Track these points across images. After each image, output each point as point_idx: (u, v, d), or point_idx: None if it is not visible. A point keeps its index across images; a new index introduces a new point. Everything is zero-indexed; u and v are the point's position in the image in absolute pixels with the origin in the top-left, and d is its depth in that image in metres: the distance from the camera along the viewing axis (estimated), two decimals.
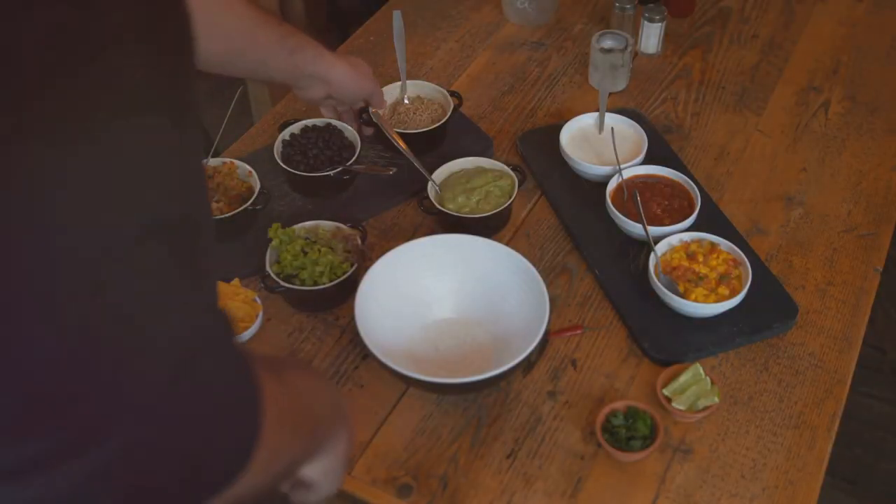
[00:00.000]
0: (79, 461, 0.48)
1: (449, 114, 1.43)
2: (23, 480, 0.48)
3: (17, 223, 0.45)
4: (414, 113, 1.46)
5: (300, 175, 1.33)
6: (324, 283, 1.18)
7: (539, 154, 1.43)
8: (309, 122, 1.40)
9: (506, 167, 1.33)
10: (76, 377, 0.47)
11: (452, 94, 1.47)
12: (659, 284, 1.17)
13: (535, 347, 1.06)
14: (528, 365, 1.14)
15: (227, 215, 1.25)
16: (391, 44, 1.49)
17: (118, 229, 0.48)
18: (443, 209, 1.28)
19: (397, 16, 1.48)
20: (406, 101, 1.48)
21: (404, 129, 1.41)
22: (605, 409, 1.07)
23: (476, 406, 1.11)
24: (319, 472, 0.77)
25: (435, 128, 1.41)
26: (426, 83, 1.50)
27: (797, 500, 1.03)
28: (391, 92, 1.47)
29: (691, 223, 1.26)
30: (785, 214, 1.35)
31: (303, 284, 1.18)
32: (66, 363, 0.47)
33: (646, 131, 1.41)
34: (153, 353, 0.50)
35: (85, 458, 0.48)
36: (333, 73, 1.32)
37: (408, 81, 1.49)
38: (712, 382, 1.09)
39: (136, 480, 0.51)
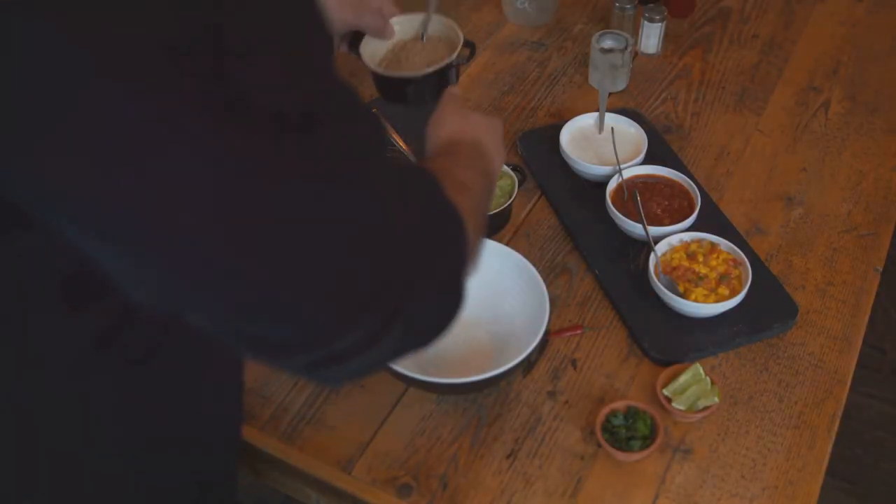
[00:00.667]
0: (387, 336, 0.59)
1: (450, 59, 1.24)
2: (345, 361, 0.59)
3: None
4: (419, 53, 1.27)
5: None
6: None
7: (539, 154, 1.43)
8: None
9: (506, 167, 1.33)
10: (377, 275, 0.57)
11: (467, 43, 1.30)
12: (659, 284, 1.17)
13: (535, 347, 1.06)
14: (528, 365, 1.14)
15: None
16: None
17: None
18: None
19: None
20: (423, 40, 1.27)
21: (403, 73, 1.25)
22: (605, 409, 1.07)
23: (476, 406, 1.11)
24: None
25: (434, 71, 1.22)
26: (449, 22, 1.27)
27: (797, 500, 1.03)
28: (407, 25, 1.28)
29: (691, 223, 1.26)
30: (785, 214, 1.35)
31: None
32: (368, 263, 0.57)
33: (646, 131, 1.41)
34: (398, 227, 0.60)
35: (391, 333, 0.59)
36: None
37: (434, 15, 1.27)
38: (712, 382, 1.09)
39: (412, 331, 0.63)
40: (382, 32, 1.22)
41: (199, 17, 0.48)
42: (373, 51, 1.25)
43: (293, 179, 0.52)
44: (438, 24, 1.26)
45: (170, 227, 0.50)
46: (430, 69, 1.22)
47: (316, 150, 0.54)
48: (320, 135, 0.54)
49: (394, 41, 1.27)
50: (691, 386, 1.09)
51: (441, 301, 0.66)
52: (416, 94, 1.23)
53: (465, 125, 0.95)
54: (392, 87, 1.25)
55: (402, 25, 1.26)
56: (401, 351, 0.65)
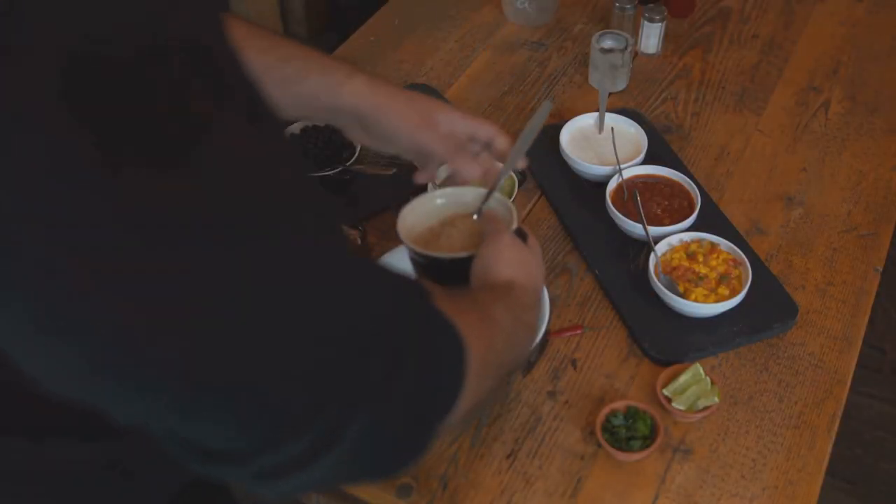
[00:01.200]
0: (333, 450, 0.54)
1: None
2: (283, 477, 0.54)
3: None
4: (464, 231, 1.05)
5: None
6: None
7: (539, 154, 1.43)
8: (308, 122, 1.40)
9: None
10: (322, 385, 0.52)
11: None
12: (659, 284, 1.17)
13: (535, 347, 1.06)
14: (528, 365, 1.14)
15: None
16: (391, 43, 1.49)
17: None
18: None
19: (546, 106, 1.16)
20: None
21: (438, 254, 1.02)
22: (605, 409, 1.07)
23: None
24: None
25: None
26: (504, 199, 1.04)
27: (797, 500, 1.03)
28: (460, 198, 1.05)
29: (691, 223, 1.26)
30: (785, 214, 1.35)
31: None
32: (318, 374, 0.52)
33: (646, 131, 1.41)
34: (370, 343, 0.55)
35: (336, 446, 0.54)
36: (371, 108, 0.95)
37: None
38: (712, 382, 1.09)
39: (377, 442, 0.57)
40: (474, 178, 1.04)
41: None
42: (413, 223, 1.04)
43: (237, 283, 0.49)
44: (494, 201, 1.05)
45: (100, 326, 0.46)
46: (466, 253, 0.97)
47: (255, 254, 0.50)
48: (275, 238, 0.51)
49: (442, 214, 1.07)
50: (691, 386, 1.09)
51: (400, 437, 0.59)
52: (451, 274, 0.99)
53: (530, 277, 0.85)
54: (425, 266, 1.02)
55: (452, 198, 1.07)
56: (375, 462, 0.59)
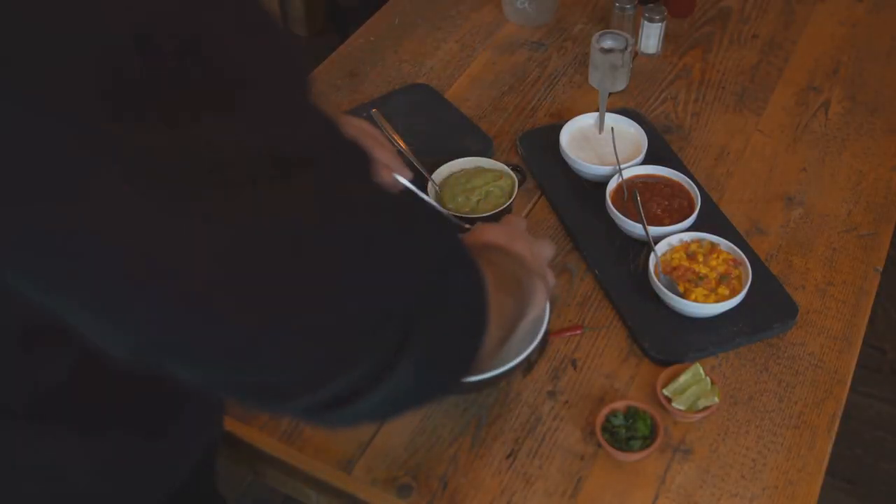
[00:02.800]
0: (389, 381, 0.56)
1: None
2: (346, 404, 0.56)
3: None
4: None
5: None
6: None
7: (539, 154, 1.43)
8: None
9: (506, 167, 1.33)
10: (379, 309, 0.54)
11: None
12: (659, 284, 1.17)
13: (535, 347, 1.06)
14: (528, 365, 1.14)
15: None
16: (390, 44, 1.49)
17: None
18: (443, 209, 1.28)
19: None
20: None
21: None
22: (605, 409, 1.07)
23: (476, 406, 1.11)
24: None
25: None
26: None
27: (797, 500, 1.03)
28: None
29: (691, 223, 1.26)
30: (785, 214, 1.35)
31: None
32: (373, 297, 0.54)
33: (646, 131, 1.41)
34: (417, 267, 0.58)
35: (390, 378, 0.56)
36: None
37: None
38: (712, 382, 1.09)
39: (421, 380, 0.59)
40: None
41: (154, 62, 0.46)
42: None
43: (274, 225, 0.50)
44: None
45: (148, 280, 0.48)
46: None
47: (299, 193, 0.51)
48: (308, 175, 0.52)
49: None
50: (691, 386, 1.09)
51: (456, 334, 0.63)
52: None
53: (514, 242, 0.90)
54: None
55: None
56: (418, 392, 0.61)
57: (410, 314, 0.56)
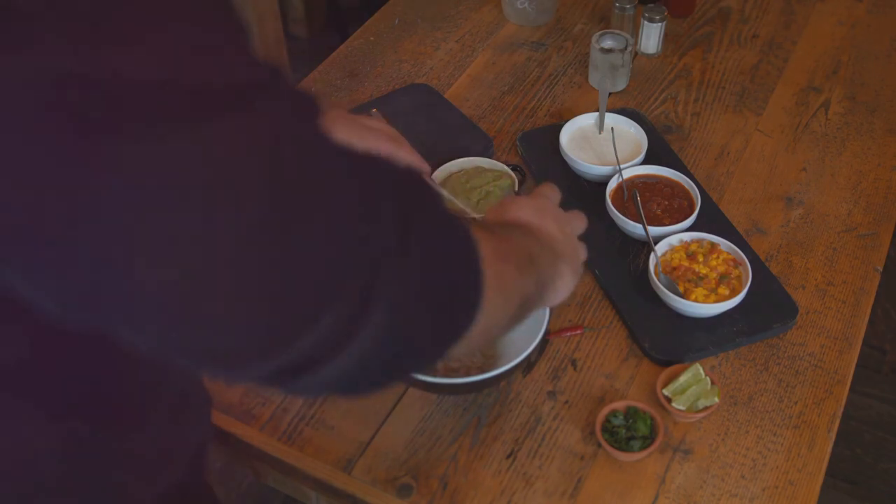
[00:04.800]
0: (355, 342, 0.52)
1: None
2: (311, 370, 0.52)
3: None
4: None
5: None
6: None
7: (539, 154, 1.43)
8: None
9: (506, 167, 1.33)
10: (343, 274, 0.51)
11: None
12: (659, 284, 1.17)
13: (535, 347, 1.06)
14: (528, 365, 1.14)
15: None
16: (390, 44, 1.49)
17: None
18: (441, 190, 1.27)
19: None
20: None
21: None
22: (605, 409, 1.07)
23: (476, 406, 1.11)
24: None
25: None
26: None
27: (797, 500, 1.03)
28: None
29: (691, 223, 1.26)
30: (785, 214, 1.35)
31: None
32: (332, 262, 0.51)
33: (646, 131, 1.41)
34: (383, 230, 0.53)
35: (357, 338, 0.52)
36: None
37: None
38: (712, 382, 1.09)
39: (394, 344, 0.55)
40: None
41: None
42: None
43: (220, 172, 0.46)
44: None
45: (96, 238, 0.45)
46: None
47: (250, 127, 0.47)
48: (259, 110, 0.48)
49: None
50: (691, 386, 1.09)
51: (431, 293, 0.57)
52: None
53: (544, 219, 0.86)
54: None
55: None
56: (384, 362, 0.57)
57: (369, 270, 0.52)
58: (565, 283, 0.87)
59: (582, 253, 0.92)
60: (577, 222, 0.94)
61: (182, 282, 0.47)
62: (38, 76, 0.42)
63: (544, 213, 0.88)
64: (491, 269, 0.63)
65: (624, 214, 1.27)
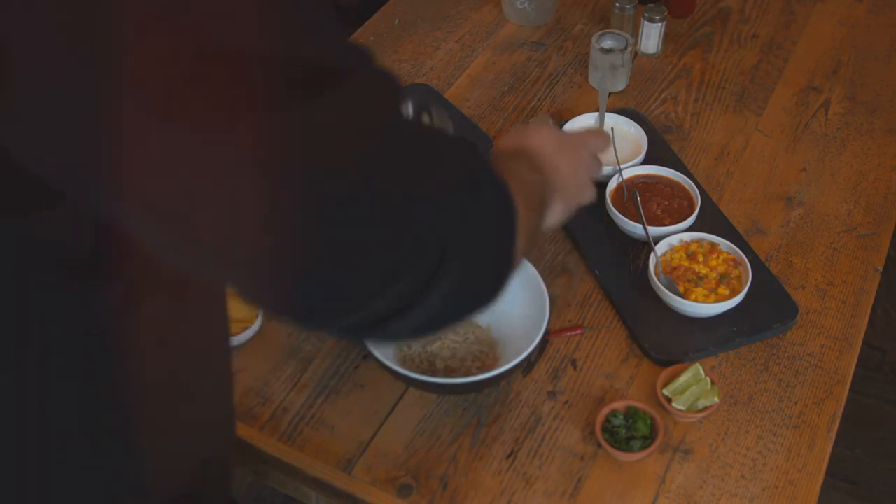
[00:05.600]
0: (436, 290, 0.59)
1: None
2: (399, 317, 0.59)
3: None
4: None
5: None
6: None
7: None
8: None
9: None
10: (418, 225, 0.57)
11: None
12: (659, 284, 1.17)
13: (535, 347, 1.06)
14: (528, 365, 1.14)
15: None
16: (391, 44, 1.48)
17: None
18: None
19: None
20: None
21: None
22: (605, 409, 1.07)
23: (476, 406, 1.11)
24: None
25: None
26: None
27: (797, 500, 1.03)
28: None
29: (691, 223, 1.26)
30: (785, 214, 1.35)
31: None
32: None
33: (646, 131, 1.41)
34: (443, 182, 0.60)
35: (438, 287, 0.59)
36: None
37: None
38: (712, 382, 1.09)
39: (465, 286, 0.62)
40: None
41: None
42: None
43: (315, 139, 0.52)
44: None
45: (203, 196, 0.50)
46: None
47: (339, 105, 0.53)
48: (345, 88, 0.54)
49: None
50: (691, 386, 1.09)
51: (490, 249, 0.66)
52: None
53: (560, 155, 0.91)
54: None
55: None
56: (457, 307, 0.65)
57: (446, 230, 0.58)
58: (553, 215, 0.91)
59: (587, 195, 0.96)
60: (594, 168, 0.99)
61: (303, 242, 0.53)
62: (177, 52, 0.47)
63: (564, 151, 0.92)
64: (520, 219, 0.69)
65: (624, 214, 1.27)
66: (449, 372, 1.12)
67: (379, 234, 0.55)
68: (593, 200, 0.99)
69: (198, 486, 0.86)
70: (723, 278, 1.19)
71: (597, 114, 1.44)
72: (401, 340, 0.71)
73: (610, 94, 1.56)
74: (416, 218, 0.57)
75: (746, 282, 1.17)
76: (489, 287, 0.67)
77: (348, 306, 0.57)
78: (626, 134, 1.42)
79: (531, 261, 1.15)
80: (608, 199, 1.29)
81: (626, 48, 1.53)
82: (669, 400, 1.08)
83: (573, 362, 1.16)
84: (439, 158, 0.61)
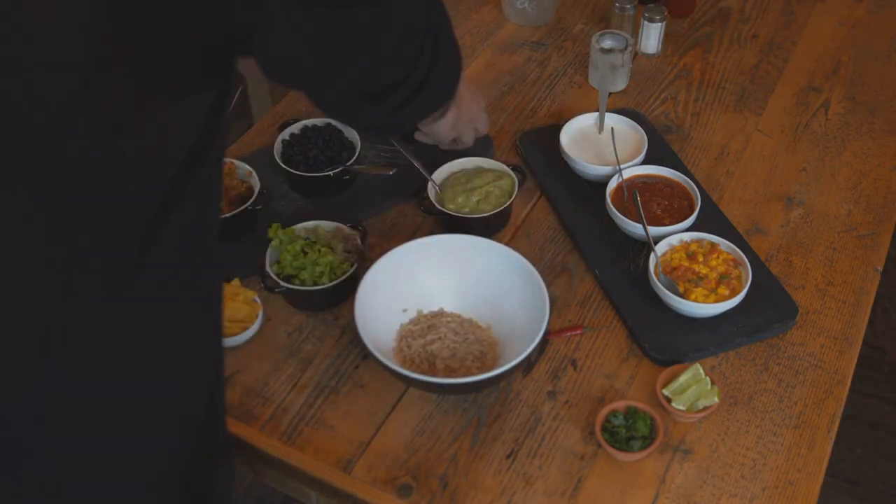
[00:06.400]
0: (434, 73, 0.95)
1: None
2: (420, 91, 0.94)
3: None
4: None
5: (300, 175, 1.33)
6: (324, 284, 1.18)
7: (539, 154, 1.43)
8: (309, 122, 1.40)
9: (506, 167, 1.33)
10: (422, 34, 0.92)
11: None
12: (659, 284, 1.17)
13: (535, 347, 1.06)
14: (528, 365, 1.14)
15: (227, 215, 1.25)
16: None
17: None
18: (443, 209, 1.28)
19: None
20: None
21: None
22: (605, 409, 1.07)
23: (476, 406, 1.11)
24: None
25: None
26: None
27: (797, 500, 1.03)
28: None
29: (691, 223, 1.26)
30: (785, 214, 1.35)
31: (303, 284, 1.18)
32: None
33: (646, 131, 1.41)
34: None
35: (434, 72, 0.95)
36: None
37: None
38: (712, 382, 1.09)
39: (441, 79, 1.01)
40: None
41: None
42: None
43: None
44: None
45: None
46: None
47: None
48: None
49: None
50: (691, 386, 1.09)
51: (454, 56, 1.02)
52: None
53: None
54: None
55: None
56: (446, 88, 1.05)
57: (435, 40, 0.92)
58: (449, 115, 1.23)
59: (481, 121, 1.34)
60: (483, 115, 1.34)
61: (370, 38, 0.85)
62: None
63: (470, 94, 1.30)
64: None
65: (624, 214, 1.27)
66: (449, 372, 1.12)
67: (405, 39, 0.90)
68: (486, 130, 1.33)
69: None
70: (723, 278, 1.19)
71: (597, 114, 1.44)
72: (430, 109, 1.10)
73: (610, 94, 1.56)
74: (416, 33, 0.91)
75: (746, 282, 1.17)
76: (452, 82, 1.04)
77: (395, 84, 0.92)
78: (626, 134, 1.42)
79: (531, 261, 1.15)
80: (608, 199, 1.29)
81: (626, 48, 1.53)
82: (669, 400, 1.08)
83: (573, 362, 1.16)
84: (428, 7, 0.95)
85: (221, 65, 0.72)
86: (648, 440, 1.05)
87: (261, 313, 1.19)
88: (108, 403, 0.76)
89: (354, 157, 1.35)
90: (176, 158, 0.71)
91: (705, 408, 1.08)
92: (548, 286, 1.12)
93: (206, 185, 0.77)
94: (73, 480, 0.77)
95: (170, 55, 0.66)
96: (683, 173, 1.33)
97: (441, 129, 1.25)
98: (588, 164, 1.36)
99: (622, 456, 1.04)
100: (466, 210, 1.28)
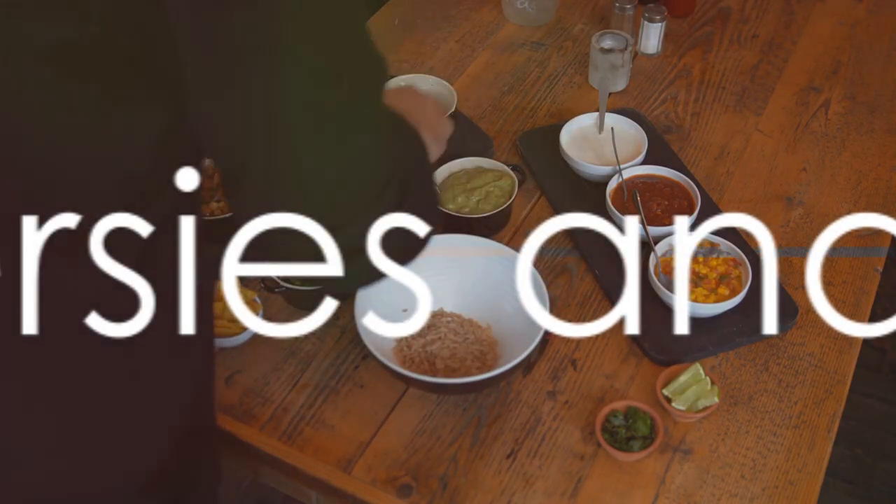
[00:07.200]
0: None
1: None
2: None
3: None
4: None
5: None
6: None
7: (539, 154, 1.43)
8: None
9: (506, 167, 1.33)
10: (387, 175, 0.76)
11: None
12: (659, 284, 1.17)
13: (535, 347, 1.06)
14: (528, 365, 1.14)
15: (227, 215, 1.25)
16: (391, 43, 1.49)
17: None
18: (443, 209, 1.28)
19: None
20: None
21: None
22: (605, 409, 1.07)
23: (476, 406, 1.11)
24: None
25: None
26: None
27: (797, 500, 1.03)
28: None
29: (691, 223, 1.26)
30: (785, 214, 1.35)
31: (302, 284, 1.18)
32: None
33: (646, 131, 1.41)
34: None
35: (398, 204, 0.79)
36: None
37: None
38: (712, 382, 1.09)
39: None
40: None
41: None
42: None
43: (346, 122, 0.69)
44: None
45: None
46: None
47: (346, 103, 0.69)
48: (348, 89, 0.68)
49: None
50: (691, 386, 1.09)
51: (429, 187, 0.88)
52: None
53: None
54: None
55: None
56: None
57: (401, 178, 0.77)
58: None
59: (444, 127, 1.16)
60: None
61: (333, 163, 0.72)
62: None
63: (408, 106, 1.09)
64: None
65: (624, 214, 1.27)
66: (449, 372, 1.12)
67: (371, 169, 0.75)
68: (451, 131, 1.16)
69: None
70: (723, 278, 1.19)
71: (597, 114, 1.44)
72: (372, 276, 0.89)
73: (610, 94, 1.56)
74: (383, 166, 0.76)
75: (746, 282, 1.17)
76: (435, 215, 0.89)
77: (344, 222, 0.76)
78: (626, 134, 1.42)
79: (531, 261, 1.15)
80: (608, 199, 1.29)
81: (626, 48, 1.53)
82: (669, 400, 1.08)
83: (573, 362, 1.16)
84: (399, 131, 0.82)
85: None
86: (648, 440, 1.05)
87: (261, 313, 1.19)
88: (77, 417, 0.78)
89: None
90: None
91: (705, 408, 1.08)
92: (548, 286, 1.12)
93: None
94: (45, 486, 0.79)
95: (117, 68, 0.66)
96: (683, 173, 1.33)
97: None
98: (588, 164, 1.36)
99: (622, 456, 1.04)
100: (466, 210, 1.28)
